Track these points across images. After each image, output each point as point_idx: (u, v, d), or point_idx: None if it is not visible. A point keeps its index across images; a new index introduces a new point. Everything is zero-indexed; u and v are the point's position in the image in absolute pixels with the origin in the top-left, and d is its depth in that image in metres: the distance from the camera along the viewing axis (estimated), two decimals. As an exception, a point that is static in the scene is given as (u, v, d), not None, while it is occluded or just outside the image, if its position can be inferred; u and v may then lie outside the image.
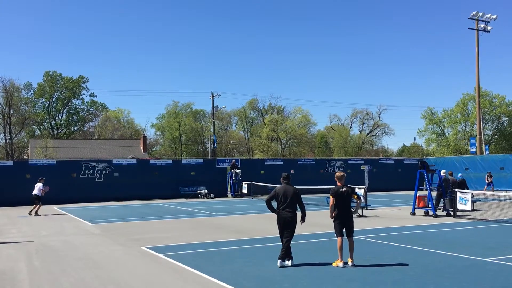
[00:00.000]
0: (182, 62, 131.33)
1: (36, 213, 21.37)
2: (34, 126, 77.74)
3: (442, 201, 19.63)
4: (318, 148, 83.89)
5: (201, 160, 35.12)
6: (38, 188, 21.93)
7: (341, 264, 9.24)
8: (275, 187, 10.18)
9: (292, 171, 33.77)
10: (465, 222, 16.65)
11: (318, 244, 12.17)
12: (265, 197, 10.40)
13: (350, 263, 9.27)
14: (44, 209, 24.84)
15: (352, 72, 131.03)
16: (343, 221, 9.43)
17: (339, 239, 9.39)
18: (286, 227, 9.40)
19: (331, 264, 9.46)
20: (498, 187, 32.71)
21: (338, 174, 9.74)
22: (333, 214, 9.48)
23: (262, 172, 33.54)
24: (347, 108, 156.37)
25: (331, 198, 9.51)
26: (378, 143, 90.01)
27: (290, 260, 9.42)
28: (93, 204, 27.81)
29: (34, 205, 21.55)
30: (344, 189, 9.46)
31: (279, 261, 9.35)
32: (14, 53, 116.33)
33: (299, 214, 9.49)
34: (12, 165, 28.64)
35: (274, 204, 9.59)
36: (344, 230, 9.45)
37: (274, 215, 9.63)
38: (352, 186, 10.14)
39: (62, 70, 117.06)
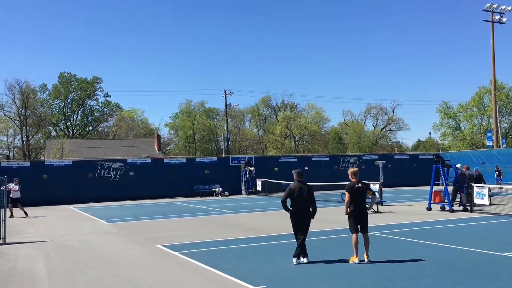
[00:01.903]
0: (194, 60, 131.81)
1: (25, 213, 21.19)
2: (50, 127, 78.74)
3: (458, 196, 19.44)
4: (332, 145, 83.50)
5: (215, 158, 35.25)
6: (12, 189, 20.85)
7: (356, 260, 9.19)
8: (289, 184, 10.15)
9: (306, 168, 33.73)
10: (482, 217, 16.44)
11: (333, 240, 12.13)
12: (279, 194, 10.51)
13: (366, 259, 9.25)
14: (60, 209, 25.17)
15: (365, 67, 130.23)
16: (358, 217, 9.37)
17: (354, 235, 9.34)
18: (301, 224, 9.39)
19: (346, 260, 9.42)
20: (516, 181, 32.21)
21: (352, 170, 9.64)
22: (348, 210, 9.44)
23: (276, 169, 33.52)
24: (361, 104, 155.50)
25: (347, 194, 9.44)
26: (393, 138, 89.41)
27: (305, 257, 9.41)
28: (109, 203, 28.08)
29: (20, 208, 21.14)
30: (359, 185, 9.41)
31: (294, 259, 9.35)
32: (29, 55, 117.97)
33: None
34: (29, 166, 29.07)
35: (289, 202, 9.56)
36: (359, 226, 9.40)
37: (288, 213, 9.60)
38: (367, 182, 10.03)
39: (76, 71, 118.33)
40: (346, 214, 9.50)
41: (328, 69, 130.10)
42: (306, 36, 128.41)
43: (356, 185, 9.40)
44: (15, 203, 21.21)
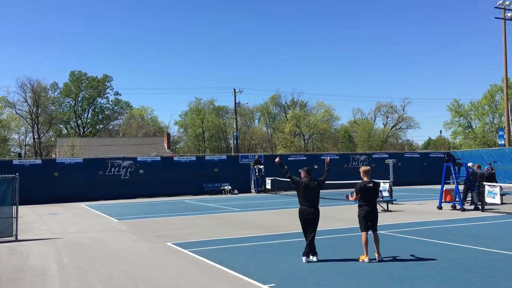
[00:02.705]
0: (204, 59, 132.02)
1: None
2: (61, 125, 79.40)
3: (469, 194, 19.29)
4: (342, 143, 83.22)
5: (224, 157, 35.29)
6: None
7: (366, 259, 9.18)
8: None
9: (315, 166, 33.62)
10: (494, 216, 16.30)
11: (343, 239, 12.10)
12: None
13: (377, 258, 9.23)
14: (71, 206, 25.39)
15: (375, 65, 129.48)
16: (369, 216, 9.37)
17: (363, 234, 9.35)
18: (309, 223, 9.37)
19: (356, 259, 9.40)
20: (528, 180, 31.87)
21: (364, 168, 9.57)
22: (354, 199, 9.55)
23: (285, 167, 33.46)
24: (371, 102, 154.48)
25: (355, 195, 9.49)
26: (403, 137, 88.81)
27: (315, 256, 9.41)
28: (119, 201, 28.26)
29: None
30: (370, 184, 9.39)
31: (304, 257, 9.35)
32: (41, 54, 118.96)
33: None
34: (41, 164, 29.33)
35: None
36: (369, 224, 9.41)
37: (297, 212, 9.60)
38: (376, 181, 10.03)
39: (87, 70, 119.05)
40: (354, 199, 9.58)
41: (338, 67, 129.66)
42: (316, 34, 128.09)
43: (368, 184, 9.37)
44: None
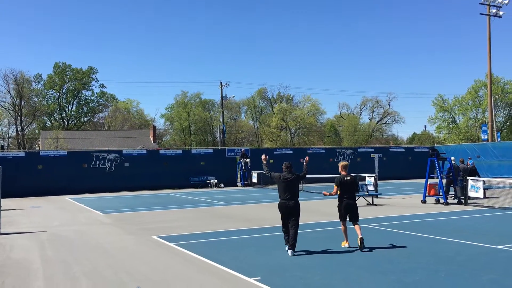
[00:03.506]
0: (190, 52, 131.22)
1: None
2: (45, 118, 78.38)
3: (452, 188, 19.53)
4: (328, 137, 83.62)
5: (210, 150, 35.22)
6: None
7: (347, 245, 9.88)
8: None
9: (301, 160, 33.66)
10: (477, 210, 16.54)
11: (329, 232, 12.17)
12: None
13: (362, 249, 9.61)
14: (55, 199, 25.14)
15: (361, 60, 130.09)
16: (348, 208, 9.90)
17: (342, 224, 10.04)
18: (290, 215, 9.53)
19: (342, 253, 9.52)
20: (511, 174, 32.44)
21: (342, 163, 10.20)
22: (334, 193, 10.10)
23: (271, 161, 33.40)
24: (357, 96, 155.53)
25: (335, 188, 10.01)
26: (388, 131, 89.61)
27: (291, 249, 9.44)
28: (104, 194, 28.06)
29: None
30: (348, 178, 9.94)
31: (290, 251, 9.40)
32: (24, 45, 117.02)
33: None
34: (24, 156, 28.95)
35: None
36: (348, 216, 9.96)
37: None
38: (354, 175, 10.43)
39: (71, 62, 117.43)
40: (334, 193, 10.13)
41: (325, 62, 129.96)
42: (302, 28, 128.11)
43: (346, 178, 9.94)
44: None
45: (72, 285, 7.62)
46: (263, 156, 10.64)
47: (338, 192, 9.99)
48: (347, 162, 10.33)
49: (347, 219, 10.00)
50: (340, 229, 10.36)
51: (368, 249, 9.69)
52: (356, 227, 9.85)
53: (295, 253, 9.39)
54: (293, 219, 9.52)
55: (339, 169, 10.13)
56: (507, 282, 7.10)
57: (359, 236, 9.64)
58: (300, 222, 9.80)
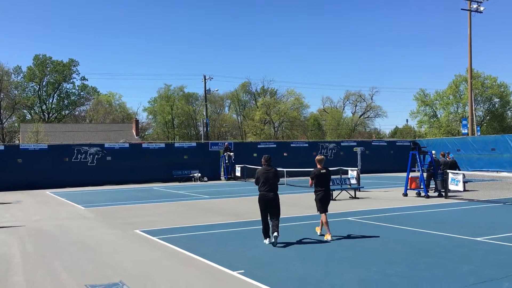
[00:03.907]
0: (173, 45, 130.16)
1: None
2: (25, 111, 77.08)
3: (432, 182, 19.80)
4: (311, 131, 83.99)
5: (194, 144, 35.05)
6: None
7: (329, 237, 10.05)
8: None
9: (285, 154, 33.91)
10: (457, 203, 16.81)
11: (311, 225, 12.22)
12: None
13: (319, 233, 10.52)
14: (36, 193, 24.79)
15: (344, 54, 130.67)
16: (324, 199, 10.43)
17: (323, 215, 10.35)
18: (269, 207, 9.80)
19: (324, 245, 9.61)
20: (490, 168, 33.03)
21: (318, 157, 10.62)
22: (310, 184, 10.57)
23: (255, 155, 33.53)
24: (340, 91, 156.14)
25: (310, 181, 10.51)
26: (371, 125, 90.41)
27: (268, 239, 9.87)
28: (86, 188, 27.76)
29: None
30: (324, 171, 10.41)
31: (266, 239, 9.85)
32: (2, 36, 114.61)
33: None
34: (4, 150, 28.43)
35: None
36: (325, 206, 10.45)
37: None
38: (329, 168, 10.86)
39: (52, 54, 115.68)
40: (310, 185, 10.60)
41: (308, 56, 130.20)
42: (286, 22, 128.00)
43: (321, 171, 10.37)
44: None
45: (52, 280, 7.54)
46: None
47: (314, 184, 10.46)
48: (323, 157, 10.72)
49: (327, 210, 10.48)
50: (319, 221, 10.55)
51: (337, 238, 10.21)
52: (324, 216, 10.35)
53: (277, 245, 9.46)
54: (273, 211, 9.78)
55: (316, 163, 10.57)
56: (486, 273, 7.24)
57: (321, 228, 10.41)
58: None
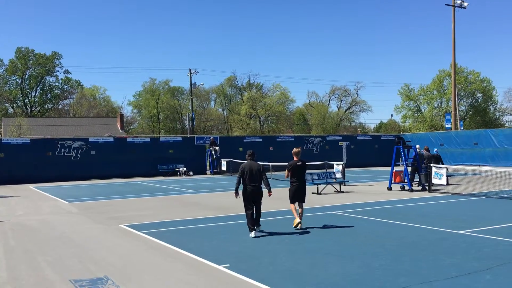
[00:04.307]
0: (159, 38, 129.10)
1: None
2: (7, 104, 75.88)
3: (417, 176, 20.02)
4: (297, 125, 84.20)
5: (179, 138, 34.89)
6: None
7: (298, 220, 10.60)
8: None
9: (271, 148, 33.95)
10: (440, 196, 17.03)
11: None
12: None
13: (300, 226, 10.63)
14: (19, 188, 24.46)
15: (330, 49, 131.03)
16: (299, 190, 10.79)
17: (292, 205, 10.86)
18: (253, 199, 10.15)
19: (310, 239, 9.67)
20: (472, 162, 33.52)
21: (295, 150, 11.04)
22: (288, 176, 10.92)
23: (241, 149, 33.54)
24: (326, 85, 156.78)
25: (287, 171, 10.88)
26: (356, 120, 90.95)
27: (254, 231, 10.10)
28: (70, 182, 27.48)
29: None
30: (299, 163, 10.83)
31: (253, 232, 10.04)
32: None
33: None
34: (-15, 144, 27.95)
35: None
36: (297, 197, 10.81)
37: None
38: (305, 160, 11.20)
39: (34, 47, 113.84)
40: (286, 176, 10.98)
41: (294, 50, 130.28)
42: (271, 16, 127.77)
43: (297, 163, 10.80)
44: None
45: (36, 275, 7.46)
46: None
47: (290, 176, 10.85)
48: (299, 149, 11.11)
49: (297, 200, 10.92)
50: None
51: (304, 230, 10.58)
52: (301, 209, 10.79)
53: (263, 239, 9.49)
54: (257, 203, 10.21)
55: (293, 155, 10.95)
56: (467, 265, 7.36)
57: (299, 219, 10.62)
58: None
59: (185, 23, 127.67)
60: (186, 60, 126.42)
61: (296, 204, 10.87)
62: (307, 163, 11.14)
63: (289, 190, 10.96)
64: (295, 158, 10.89)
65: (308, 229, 10.65)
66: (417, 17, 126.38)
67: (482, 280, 6.59)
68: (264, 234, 10.25)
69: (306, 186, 11.16)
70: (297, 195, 10.79)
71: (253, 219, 10.13)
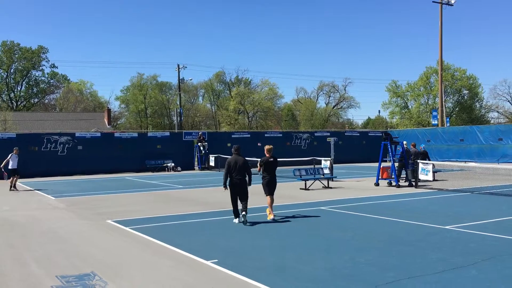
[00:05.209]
0: (146, 33, 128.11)
1: (14, 187, 20.67)
2: (-8, 99, 74.80)
3: (404, 171, 20.17)
4: (285, 121, 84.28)
5: (167, 133, 34.73)
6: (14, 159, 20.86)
7: (272, 216, 11.27)
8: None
9: (259, 144, 33.93)
10: (426, 192, 17.18)
11: (284, 214, 12.31)
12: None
13: (272, 217, 11.29)
14: (3, 183, 24.16)
15: (319, 45, 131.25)
16: (270, 184, 11.53)
17: (268, 197, 11.46)
18: (238, 190, 10.98)
19: (297, 234, 9.66)
20: (458, 158, 33.88)
21: (267, 147, 11.75)
22: (260, 170, 11.67)
23: (229, 144, 33.47)
24: (314, 81, 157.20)
25: (259, 167, 11.68)
26: (344, 116, 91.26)
27: (238, 218, 11.04)
28: (56, 178, 27.22)
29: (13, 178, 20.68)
30: (271, 159, 11.60)
31: (237, 219, 11.01)
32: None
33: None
34: (-31, 139, 27.53)
35: None
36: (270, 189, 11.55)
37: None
38: (276, 157, 11.90)
39: (20, 40, 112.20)
40: (258, 171, 11.76)
41: (283, 46, 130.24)
42: (260, 12, 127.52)
43: (269, 159, 11.54)
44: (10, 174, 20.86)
45: (22, 271, 7.37)
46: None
47: (262, 170, 11.58)
48: (271, 146, 11.82)
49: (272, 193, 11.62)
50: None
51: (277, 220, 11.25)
52: (272, 200, 11.51)
53: (249, 231, 9.51)
54: (242, 195, 11.00)
55: (265, 152, 11.61)
56: (454, 260, 7.44)
57: (271, 212, 11.35)
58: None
59: (174, 18, 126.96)
60: (174, 55, 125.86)
61: (272, 197, 11.58)
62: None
63: (262, 184, 11.67)
64: (267, 155, 11.58)
65: (296, 225, 10.68)
66: (405, 14, 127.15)
67: (468, 275, 6.67)
68: (252, 229, 10.25)
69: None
70: (270, 188, 11.55)
71: (237, 208, 11.05)
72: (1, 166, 20.99)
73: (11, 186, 20.57)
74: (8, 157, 20.93)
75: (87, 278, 6.89)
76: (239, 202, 11.14)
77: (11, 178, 20.78)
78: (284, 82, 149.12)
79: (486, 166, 22.43)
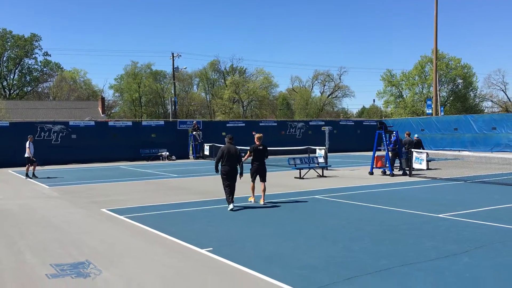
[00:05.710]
0: (141, 21, 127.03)
1: (33, 174, 20.58)
2: (-16, 87, 74.12)
3: (397, 160, 20.27)
4: (280, 110, 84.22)
5: (162, 122, 34.63)
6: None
7: (252, 200, 12.18)
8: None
9: (253, 133, 33.88)
10: (420, 181, 17.27)
11: (280, 203, 12.36)
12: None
13: (262, 203, 11.91)
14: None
15: (313, 34, 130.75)
16: (259, 171, 12.10)
17: (252, 183, 12.20)
18: (229, 178, 11.37)
19: (293, 223, 9.70)
20: (452, 147, 34.06)
21: (257, 135, 12.23)
22: (246, 158, 12.31)
23: (223, 133, 33.46)
24: (309, 70, 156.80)
25: (248, 153, 12.24)
26: (339, 105, 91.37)
27: (232, 204, 11.32)
28: (50, 167, 27.12)
29: (29, 166, 20.58)
30: (260, 147, 12.12)
31: (231, 205, 11.21)
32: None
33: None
34: (-38, 128, 27.33)
35: None
36: (258, 176, 12.07)
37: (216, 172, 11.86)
38: (265, 145, 12.35)
39: (12, 28, 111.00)
40: (245, 159, 12.18)
41: (278, 35, 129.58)
42: (255, 1, 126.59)
43: (258, 147, 12.08)
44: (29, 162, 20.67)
45: (16, 260, 7.36)
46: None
47: (252, 158, 12.15)
48: (261, 135, 12.27)
49: (257, 178, 12.14)
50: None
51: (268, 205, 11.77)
52: (263, 185, 12.06)
53: (246, 222, 9.53)
54: (233, 183, 11.44)
55: (255, 140, 12.09)
56: (446, 248, 7.50)
57: (262, 202, 11.95)
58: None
59: (168, 6, 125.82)
60: (169, 43, 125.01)
61: (260, 184, 12.06)
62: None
63: (250, 170, 12.28)
64: (257, 143, 12.08)
65: (290, 213, 10.71)
66: (400, 3, 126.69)
67: (461, 262, 6.73)
68: (247, 218, 10.28)
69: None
70: (258, 175, 12.07)
71: (231, 194, 11.34)
72: (31, 156, 20.58)
73: (28, 174, 20.39)
74: (27, 146, 20.63)
75: (82, 266, 6.89)
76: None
77: (27, 166, 20.59)
78: (279, 71, 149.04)
79: (480, 155, 22.57)
